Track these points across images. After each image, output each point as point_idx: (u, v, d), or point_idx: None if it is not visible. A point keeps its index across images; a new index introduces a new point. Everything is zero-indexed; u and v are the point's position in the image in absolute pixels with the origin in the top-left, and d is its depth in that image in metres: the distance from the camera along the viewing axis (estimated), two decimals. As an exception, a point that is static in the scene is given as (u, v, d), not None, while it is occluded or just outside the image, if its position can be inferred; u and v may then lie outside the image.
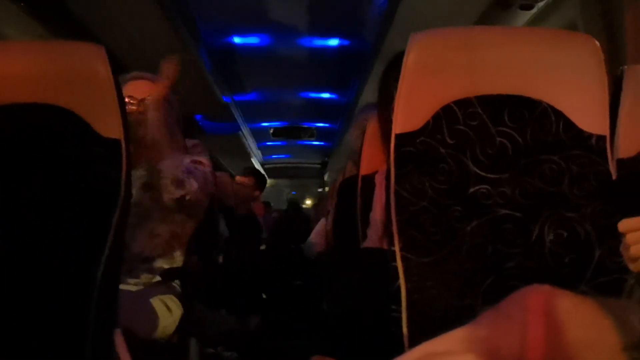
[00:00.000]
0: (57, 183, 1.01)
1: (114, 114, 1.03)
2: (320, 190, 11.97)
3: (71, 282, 0.95)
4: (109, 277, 0.97)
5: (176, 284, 1.65)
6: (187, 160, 1.66)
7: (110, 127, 1.03)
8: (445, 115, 0.97)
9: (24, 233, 0.99)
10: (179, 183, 1.55)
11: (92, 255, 0.96)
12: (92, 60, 1.03)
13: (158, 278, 1.60)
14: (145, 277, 1.59)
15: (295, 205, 8.45)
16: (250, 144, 8.63)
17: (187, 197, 1.57)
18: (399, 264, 0.92)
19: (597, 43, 0.98)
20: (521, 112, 0.97)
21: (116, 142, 1.02)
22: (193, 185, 1.57)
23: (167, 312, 1.55)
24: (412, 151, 0.96)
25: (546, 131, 0.96)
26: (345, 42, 4.76)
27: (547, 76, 0.97)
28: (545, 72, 0.97)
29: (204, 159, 1.71)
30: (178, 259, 1.68)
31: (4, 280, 0.96)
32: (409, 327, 0.90)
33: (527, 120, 0.96)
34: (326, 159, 10.39)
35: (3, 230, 0.98)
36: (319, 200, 7.30)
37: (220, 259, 3.22)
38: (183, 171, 1.57)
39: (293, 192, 13.23)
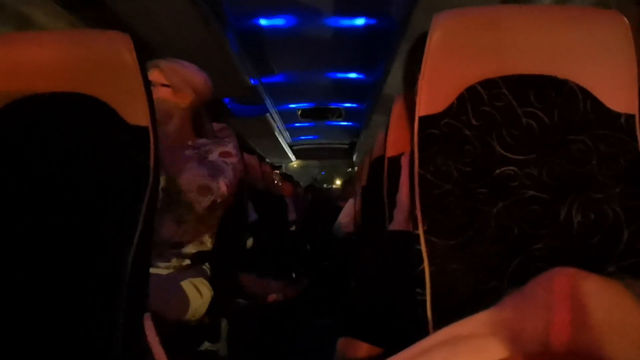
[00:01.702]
0: (86, 169, 1.03)
1: (141, 102, 1.04)
2: (349, 170, 11.98)
3: (103, 266, 0.97)
4: (140, 260, 0.99)
5: (206, 267, 1.68)
6: (214, 154, 1.67)
7: (137, 115, 1.04)
8: (470, 97, 0.95)
9: (55, 218, 1.01)
10: (205, 190, 1.55)
11: (124, 239, 0.98)
12: (119, 47, 1.04)
13: (188, 261, 1.63)
14: (175, 261, 1.62)
15: (313, 187, 8.48)
16: (279, 125, 8.65)
17: (218, 201, 1.58)
18: (423, 247, 0.91)
19: (626, 19, 0.95)
20: (548, 92, 0.95)
21: (144, 129, 1.03)
22: (222, 187, 1.57)
23: (198, 295, 1.58)
24: (436, 133, 0.95)
25: (573, 111, 0.94)
26: (372, 21, 4.71)
27: (574, 54, 0.95)
28: (572, 51, 0.95)
29: (231, 149, 1.71)
30: (207, 242, 1.70)
31: (37, 264, 0.98)
32: (433, 310, 0.90)
33: (553, 100, 0.95)
34: (354, 139, 10.37)
35: (35, 216, 1.01)
36: (348, 180, 7.29)
37: (251, 242, 3.26)
38: (207, 175, 1.56)
39: (322, 173, 13.27)
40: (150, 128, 1.04)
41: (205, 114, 1.83)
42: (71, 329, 0.96)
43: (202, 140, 1.75)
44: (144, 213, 1.00)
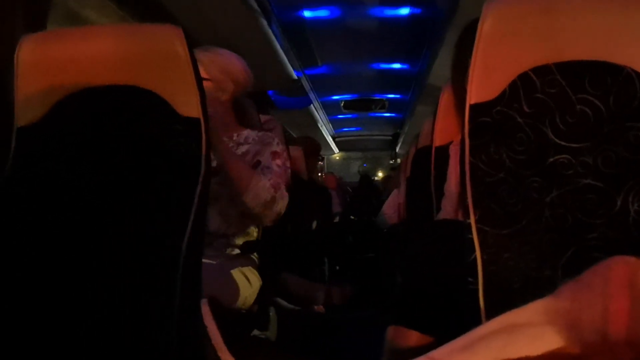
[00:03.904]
0: (140, 160, 1.06)
1: (192, 94, 1.06)
2: (392, 162, 11.90)
3: (159, 253, 1.00)
4: (193, 248, 1.01)
5: (254, 256, 1.70)
6: (265, 154, 1.69)
7: (189, 107, 1.06)
8: (523, 84, 0.94)
9: (112, 208, 1.04)
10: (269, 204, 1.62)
11: (177, 227, 1.00)
12: (171, 41, 1.07)
13: (237, 251, 1.66)
14: (225, 250, 1.65)
15: (367, 178, 8.45)
16: (322, 117, 8.66)
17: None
18: (475, 236, 0.91)
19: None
20: (603, 78, 0.92)
21: (196, 120, 1.06)
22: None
23: (247, 284, 1.61)
24: (487, 121, 0.94)
25: (630, 97, 0.91)
26: (417, 11, 4.66)
27: (630, 40, 0.92)
28: (629, 36, 0.92)
29: (277, 146, 1.73)
30: (254, 232, 1.73)
31: (95, 251, 1.02)
32: (485, 299, 0.89)
33: (609, 87, 0.92)
34: (397, 130, 10.29)
35: (93, 207, 1.04)
36: (391, 172, 7.26)
37: (314, 226, 3.29)
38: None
39: (364, 165, 13.21)
40: (201, 119, 1.06)
41: (252, 105, 1.85)
42: (127, 315, 0.99)
43: (246, 132, 1.77)
44: (196, 202, 1.02)
